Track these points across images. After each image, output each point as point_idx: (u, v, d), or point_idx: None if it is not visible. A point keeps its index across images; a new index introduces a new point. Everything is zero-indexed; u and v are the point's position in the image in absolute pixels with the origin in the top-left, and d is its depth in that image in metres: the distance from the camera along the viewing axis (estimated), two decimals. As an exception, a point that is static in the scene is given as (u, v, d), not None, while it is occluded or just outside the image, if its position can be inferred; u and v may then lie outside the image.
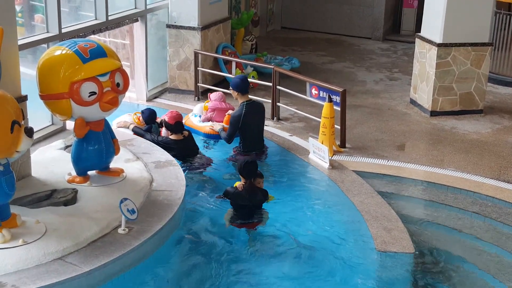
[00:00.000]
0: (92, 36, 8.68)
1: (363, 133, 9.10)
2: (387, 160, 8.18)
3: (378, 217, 6.67)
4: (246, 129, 7.97)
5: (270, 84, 9.45)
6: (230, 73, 10.42)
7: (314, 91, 8.78)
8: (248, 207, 6.68)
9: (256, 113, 8.05)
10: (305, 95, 9.00)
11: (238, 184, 6.73)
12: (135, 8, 9.71)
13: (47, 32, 7.67)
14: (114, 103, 6.11)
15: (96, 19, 8.73)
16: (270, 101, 9.49)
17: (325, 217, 6.83)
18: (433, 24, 9.77)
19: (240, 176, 6.75)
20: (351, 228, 6.57)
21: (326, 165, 7.80)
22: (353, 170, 7.79)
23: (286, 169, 7.96)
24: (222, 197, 6.80)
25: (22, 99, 6.18)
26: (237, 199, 6.66)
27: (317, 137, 8.26)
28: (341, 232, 6.49)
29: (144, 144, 7.67)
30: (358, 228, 6.52)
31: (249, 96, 8.17)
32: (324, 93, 8.54)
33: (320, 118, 8.25)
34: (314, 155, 8.04)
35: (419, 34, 10.17)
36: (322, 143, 8.03)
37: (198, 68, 10.20)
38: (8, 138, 4.95)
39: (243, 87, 8.01)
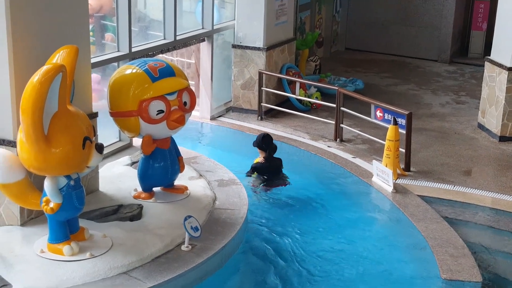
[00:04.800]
0: (160, 55, 8.86)
1: (428, 157, 8.93)
2: (453, 185, 7.99)
3: (444, 244, 6.51)
4: None
5: (334, 105, 9.41)
6: (294, 93, 10.44)
7: (378, 113, 8.70)
8: (272, 174, 7.96)
9: None
10: (369, 117, 8.93)
11: (259, 159, 8.00)
12: (202, 28, 9.87)
13: (118, 51, 7.87)
14: (181, 122, 6.21)
15: (164, 38, 8.90)
16: (333, 122, 9.45)
17: (388, 242, 6.72)
18: (504, 48, 9.55)
19: (259, 150, 7.99)
20: (416, 254, 6.43)
21: (390, 188, 7.69)
22: (417, 195, 7.64)
23: (349, 192, 7.89)
24: (251, 174, 7.91)
25: (93, 115, 6.35)
26: (264, 170, 7.94)
27: (381, 159, 8.16)
28: (405, 258, 6.37)
29: (208, 162, 7.76)
30: (422, 255, 6.37)
31: None
32: (389, 115, 8.45)
33: (384, 140, 8.16)
34: (378, 178, 7.95)
35: (488, 57, 9.95)
36: (386, 166, 7.92)
37: (262, 88, 10.26)
38: (80, 154, 5.09)
39: None
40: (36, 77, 4.78)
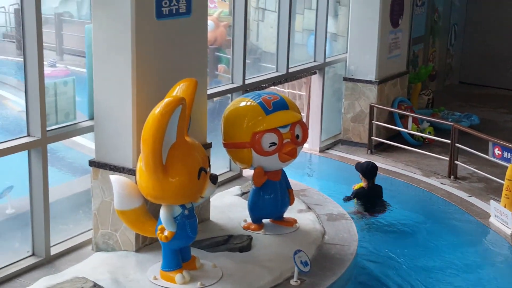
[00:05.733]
0: (272, 87, 8.96)
1: (550, 198, 8.43)
2: None
3: None
4: None
5: (447, 140, 9.13)
6: (406, 127, 10.24)
7: (497, 151, 8.34)
8: (373, 200, 8.14)
9: None
10: (486, 154, 8.58)
11: (361, 185, 8.22)
12: (314, 61, 9.92)
13: (232, 83, 8.03)
14: (292, 155, 6.23)
15: (277, 71, 9.00)
16: (447, 158, 9.16)
17: (507, 289, 6.39)
18: None
19: (362, 177, 8.19)
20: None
21: (510, 231, 7.31)
22: (540, 239, 7.24)
23: (464, 231, 7.58)
24: (351, 198, 8.14)
25: (207, 146, 6.48)
26: (365, 197, 8.16)
27: (500, 200, 7.79)
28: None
29: (317, 195, 7.72)
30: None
31: None
32: (509, 154, 8.08)
33: (502, 180, 7.79)
34: (496, 219, 7.58)
35: None
36: (506, 207, 7.55)
37: (373, 122, 10.14)
38: (195, 184, 5.19)
39: None
40: (157, 109, 4.94)
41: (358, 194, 8.20)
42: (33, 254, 5.92)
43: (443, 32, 14.11)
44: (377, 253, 6.95)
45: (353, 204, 8.11)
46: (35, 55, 5.53)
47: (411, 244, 7.26)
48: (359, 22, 10.14)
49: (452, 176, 9.05)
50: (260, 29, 10.16)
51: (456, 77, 15.06)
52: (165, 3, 5.71)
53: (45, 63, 5.62)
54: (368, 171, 8.19)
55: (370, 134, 10.14)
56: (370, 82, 10.19)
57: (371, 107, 10.10)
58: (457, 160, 9.06)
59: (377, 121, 10.18)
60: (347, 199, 8.16)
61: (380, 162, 9.64)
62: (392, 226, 7.69)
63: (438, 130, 10.52)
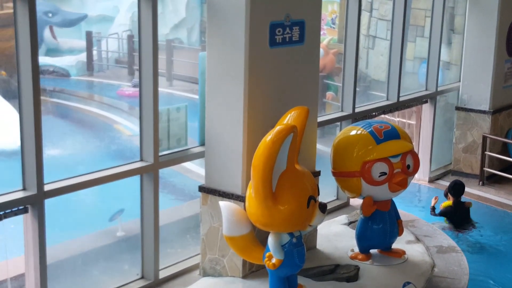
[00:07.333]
0: (382, 115, 8.84)
1: None
2: None
3: None
4: None
5: None
6: (521, 159, 9.82)
7: None
8: (461, 218, 8.41)
9: None
10: None
11: (448, 203, 8.48)
12: (426, 90, 9.73)
13: (341, 111, 7.97)
14: (403, 185, 6.10)
15: (387, 99, 8.88)
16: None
17: None
18: None
19: (450, 195, 8.49)
20: None
21: None
22: None
23: None
24: (437, 215, 8.42)
25: (316, 174, 6.44)
26: (453, 215, 8.41)
27: None
28: None
29: (426, 226, 7.50)
30: None
31: None
32: None
33: None
34: None
35: None
36: None
37: (486, 153, 9.79)
38: (304, 212, 5.16)
39: None
40: (269, 136, 4.96)
41: (446, 213, 8.47)
42: (142, 277, 6.06)
43: None
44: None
45: (443, 221, 8.45)
46: (150, 82, 5.73)
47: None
48: (474, 51, 9.89)
49: None
50: (369, 56, 10.09)
51: None
52: (279, 31, 5.78)
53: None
54: (454, 188, 8.47)
55: (483, 165, 9.81)
56: (483, 112, 9.88)
57: (484, 138, 9.78)
58: None
59: (490, 152, 9.83)
60: (433, 213, 8.44)
61: (493, 194, 9.35)
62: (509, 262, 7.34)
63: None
